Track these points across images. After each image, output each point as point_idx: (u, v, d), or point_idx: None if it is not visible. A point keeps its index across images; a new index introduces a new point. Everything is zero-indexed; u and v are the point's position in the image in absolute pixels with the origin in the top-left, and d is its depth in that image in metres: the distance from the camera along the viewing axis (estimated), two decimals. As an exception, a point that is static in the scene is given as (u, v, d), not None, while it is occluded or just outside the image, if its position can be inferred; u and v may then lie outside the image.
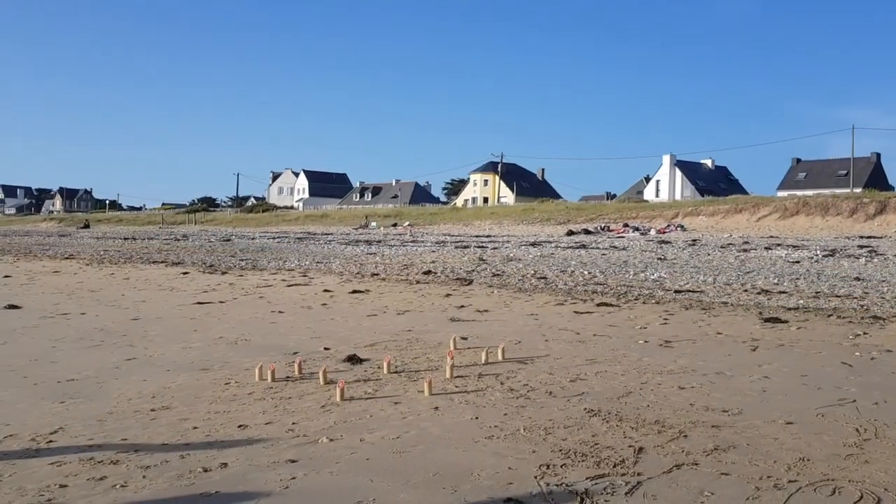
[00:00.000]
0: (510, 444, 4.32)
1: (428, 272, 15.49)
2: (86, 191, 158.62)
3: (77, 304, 11.27)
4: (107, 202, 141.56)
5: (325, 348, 7.40)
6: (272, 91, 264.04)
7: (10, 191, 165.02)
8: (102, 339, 8.11)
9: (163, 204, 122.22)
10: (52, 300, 11.87)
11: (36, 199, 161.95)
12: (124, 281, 15.35)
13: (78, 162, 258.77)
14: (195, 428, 4.66)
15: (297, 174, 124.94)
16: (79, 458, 4.09)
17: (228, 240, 36.92)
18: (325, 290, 12.66)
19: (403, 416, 4.93)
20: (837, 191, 55.86)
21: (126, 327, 8.98)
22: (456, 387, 5.70)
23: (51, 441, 4.41)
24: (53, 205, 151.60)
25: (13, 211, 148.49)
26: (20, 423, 4.77)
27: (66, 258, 23.63)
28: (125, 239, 40.30)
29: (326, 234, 44.25)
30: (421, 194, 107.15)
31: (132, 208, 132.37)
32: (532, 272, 15.10)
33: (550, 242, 27.00)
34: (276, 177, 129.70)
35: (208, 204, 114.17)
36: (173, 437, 4.48)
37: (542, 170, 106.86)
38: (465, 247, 25.23)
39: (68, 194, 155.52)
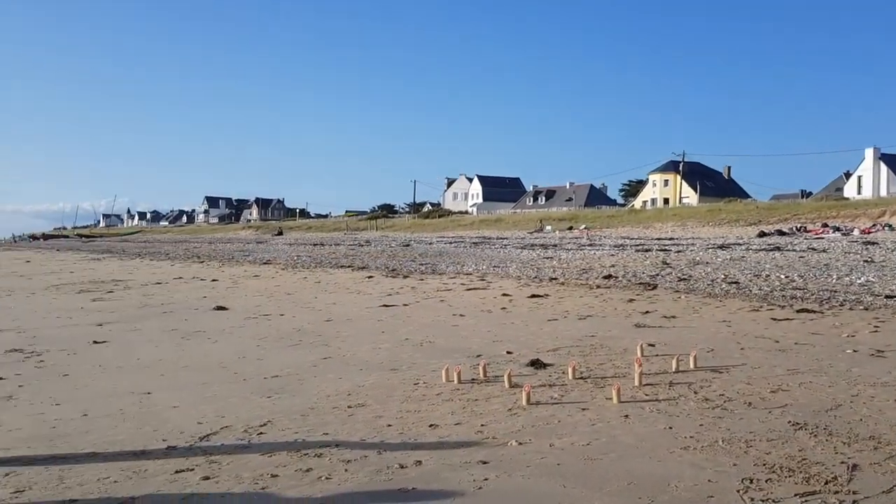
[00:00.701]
0: (708, 456, 4.11)
1: (608, 276, 15.17)
2: (278, 200, 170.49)
3: (276, 306, 12.10)
4: (297, 210, 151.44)
5: (508, 352, 7.43)
6: (447, 98, 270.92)
7: (214, 202, 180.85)
8: (300, 339, 8.65)
9: (346, 211, 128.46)
10: (254, 302, 12.84)
11: (235, 209, 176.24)
12: (316, 284, 16.31)
13: (271, 174, 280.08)
14: (389, 426, 4.84)
15: (470, 179, 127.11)
16: (286, 450, 4.37)
17: (408, 245, 38.20)
18: (504, 295, 12.74)
19: (592, 422, 4.84)
20: None
21: (320, 328, 9.53)
22: (646, 395, 5.51)
23: (261, 433, 4.75)
24: (251, 214, 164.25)
25: (216, 220, 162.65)
26: (234, 416, 5.18)
27: (264, 263, 25.48)
28: (314, 245, 42.80)
29: (501, 238, 44.66)
30: (596, 196, 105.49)
31: (319, 216, 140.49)
32: (722, 276, 14.34)
33: (740, 245, 25.52)
34: (450, 183, 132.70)
35: (387, 210, 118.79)
36: (370, 433, 4.67)
37: (728, 168, 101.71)
38: (647, 250, 24.44)
39: (263, 204, 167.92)
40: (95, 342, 8.76)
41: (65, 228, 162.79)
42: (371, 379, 6.33)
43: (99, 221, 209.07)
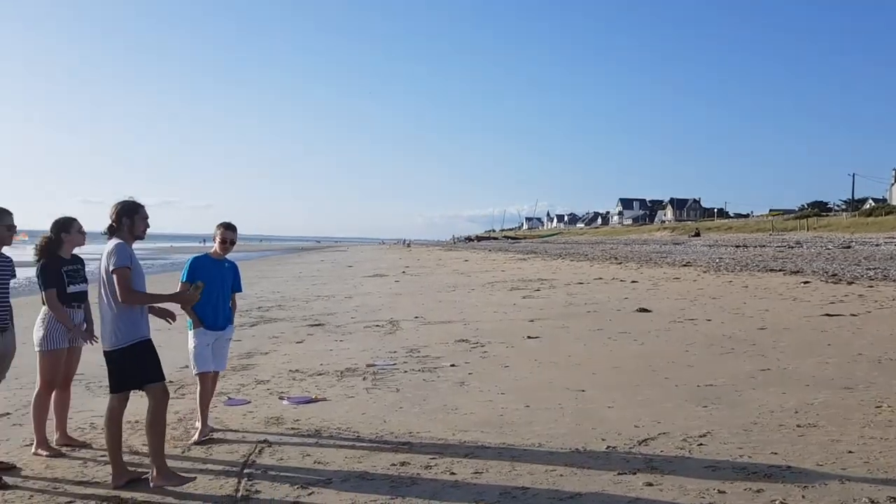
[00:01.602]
0: None
1: None
2: (694, 200, 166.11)
3: (701, 310, 11.66)
4: (714, 210, 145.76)
5: None
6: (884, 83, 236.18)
7: (627, 203, 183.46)
8: (732, 347, 8.16)
9: (770, 210, 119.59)
10: (676, 305, 12.55)
11: (649, 210, 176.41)
12: (743, 289, 15.34)
13: (687, 174, 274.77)
14: (850, 452, 4.23)
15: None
16: (731, 465, 4.07)
17: (848, 247, 34.00)
18: None
19: None
20: None
21: (753, 336, 8.89)
22: None
23: (700, 444, 4.51)
24: (665, 215, 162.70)
25: (629, 221, 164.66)
26: (670, 423, 5.03)
27: (683, 265, 24.86)
28: (736, 246, 40.61)
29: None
30: None
31: (738, 215, 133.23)
32: None
33: None
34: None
35: (819, 208, 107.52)
36: (826, 458, 4.13)
37: None
38: None
39: (678, 204, 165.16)
40: (529, 337, 9.37)
41: (493, 231, 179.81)
42: (820, 397, 5.65)
43: (522, 224, 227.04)
